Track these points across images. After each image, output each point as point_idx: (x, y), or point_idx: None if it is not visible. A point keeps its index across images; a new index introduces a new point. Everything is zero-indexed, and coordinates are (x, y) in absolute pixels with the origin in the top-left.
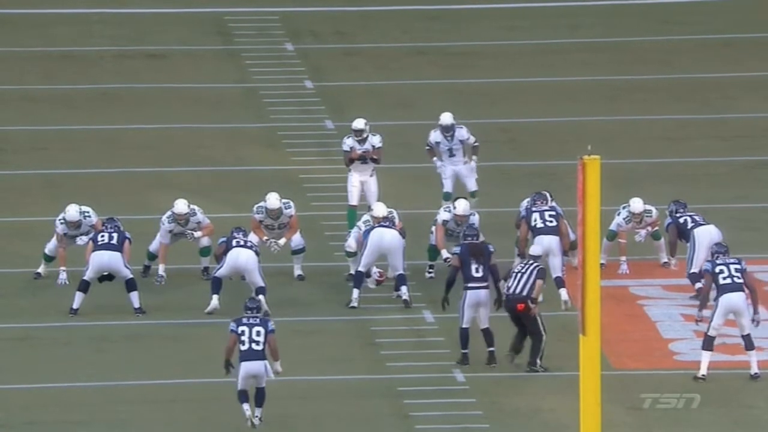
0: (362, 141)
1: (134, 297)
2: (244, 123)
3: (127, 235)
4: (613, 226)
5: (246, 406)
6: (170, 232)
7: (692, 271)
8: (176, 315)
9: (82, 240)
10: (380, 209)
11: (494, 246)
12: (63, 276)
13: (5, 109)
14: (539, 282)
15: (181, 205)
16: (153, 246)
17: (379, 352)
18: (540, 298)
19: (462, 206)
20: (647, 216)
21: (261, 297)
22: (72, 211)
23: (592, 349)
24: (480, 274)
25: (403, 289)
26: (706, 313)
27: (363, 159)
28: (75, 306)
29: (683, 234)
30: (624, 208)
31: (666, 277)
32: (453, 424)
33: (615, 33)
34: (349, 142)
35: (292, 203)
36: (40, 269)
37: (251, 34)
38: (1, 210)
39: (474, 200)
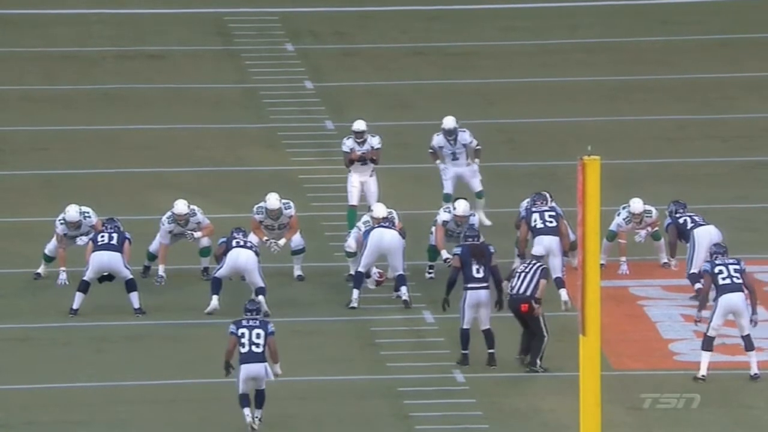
0: (362, 142)
1: (134, 297)
2: (244, 123)
3: (127, 235)
4: (613, 227)
5: (247, 411)
6: (170, 232)
7: (692, 271)
8: (176, 315)
9: (82, 240)
10: (380, 210)
11: (494, 246)
12: (63, 276)
13: (5, 109)
14: (543, 282)
15: (180, 206)
16: (153, 246)
17: (379, 353)
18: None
19: (462, 207)
20: (647, 216)
21: (261, 297)
22: (72, 212)
23: (592, 350)
24: (481, 275)
25: (403, 289)
26: (705, 313)
27: (362, 160)
28: (75, 306)
29: (683, 234)
30: (624, 208)
31: (666, 277)
32: (453, 425)
33: (614, 33)
34: (348, 144)
35: (292, 203)
36: (40, 269)
37: (251, 34)
38: (1, 210)
39: (481, 201)
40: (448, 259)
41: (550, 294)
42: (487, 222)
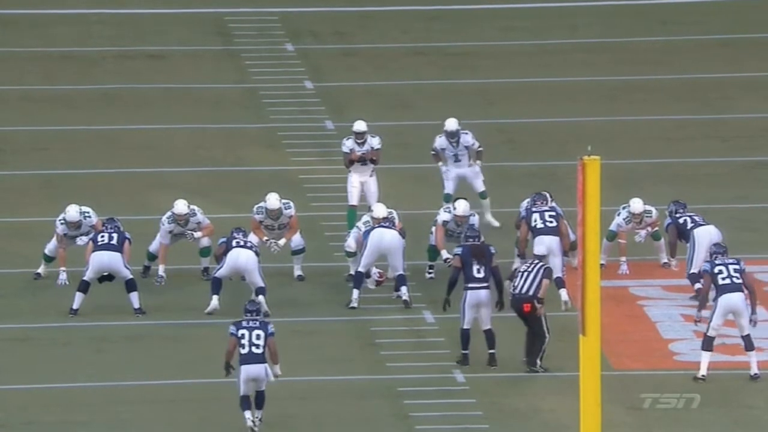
0: (362, 143)
1: (134, 297)
2: (244, 123)
3: (127, 235)
4: (613, 227)
5: (248, 414)
6: (170, 232)
7: (692, 271)
8: (176, 315)
9: (82, 240)
10: (380, 210)
11: (495, 246)
12: (63, 276)
13: (5, 109)
14: (546, 282)
15: (180, 206)
16: (153, 246)
17: (379, 353)
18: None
19: (462, 207)
20: (647, 216)
21: (261, 297)
22: (72, 212)
23: (592, 350)
24: (482, 275)
25: (403, 289)
26: (705, 313)
27: (362, 161)
28: (75, 306)
29: (683, 234)
30: (624, 208)
31: (666, 277)
32: (453, 425)
33: (614, 33)
34: (348, 144)
35: (292, 203)
36: (40, 269)
37: (251, 34)
38: (0, 210)
39: (486, 201)
40: (448, 259)
41: (550, 294)
42: (496, 223)
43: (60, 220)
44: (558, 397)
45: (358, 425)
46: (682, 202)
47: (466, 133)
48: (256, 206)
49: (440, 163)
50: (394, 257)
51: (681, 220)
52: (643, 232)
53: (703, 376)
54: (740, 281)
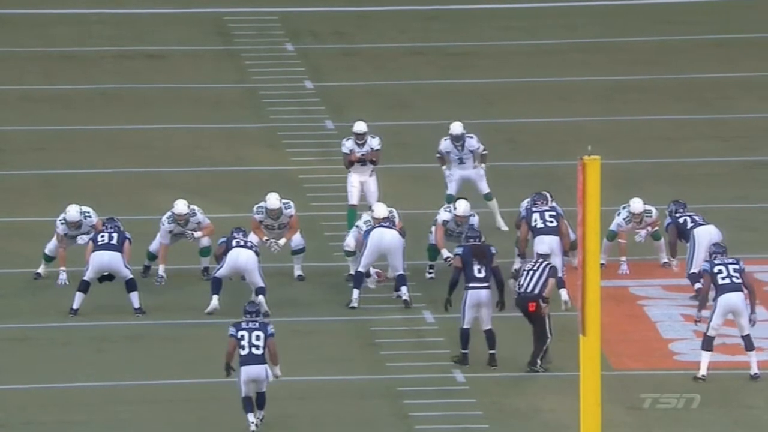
0: (362, 144)
1: (134, 297)
2: (244, 123)
3: (127, 235)
4: (613, 227)
5: (251, 417)
6: (170, 232)
7: (692, 271)
8: (176, 315)
9: (82, 239)
10: (381, 210)
11: (495, 246)
12: (63, 276)
13: (5, 109)
14: (552, 281)
15: (180, 206)
16: (153, 246)
17: (378, 352)
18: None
19: (462, 207)
20: (647, 216)
21: (261, 297)
22: (72, 212)
23: (592, 349)
24: (482, 275)
25: (403, 289)
26: (705, 313)
27: (362, 161)
28: (75, 306)
29: (683, 234)
30: (624, 208)
31: (666, 277)
32: (453, 424)
33: (612, 33)
34: (348, 145)
35: (292, 203)
36: (40, 269)
37: (251, 34)
38: (0, 210)
39: (492, 203)
40: (449, 257)
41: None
42: (505, 227)
43: (60, 220)
44: (558, 397)
45: (357, 425)
46: (682, 201)
47: (471, 137)
48: (256, 206)
49: (444, 167)
50: (394, 257)
51: (681, 220)
52: (643, 232)
53: (703, 375)
54: (740, 281)
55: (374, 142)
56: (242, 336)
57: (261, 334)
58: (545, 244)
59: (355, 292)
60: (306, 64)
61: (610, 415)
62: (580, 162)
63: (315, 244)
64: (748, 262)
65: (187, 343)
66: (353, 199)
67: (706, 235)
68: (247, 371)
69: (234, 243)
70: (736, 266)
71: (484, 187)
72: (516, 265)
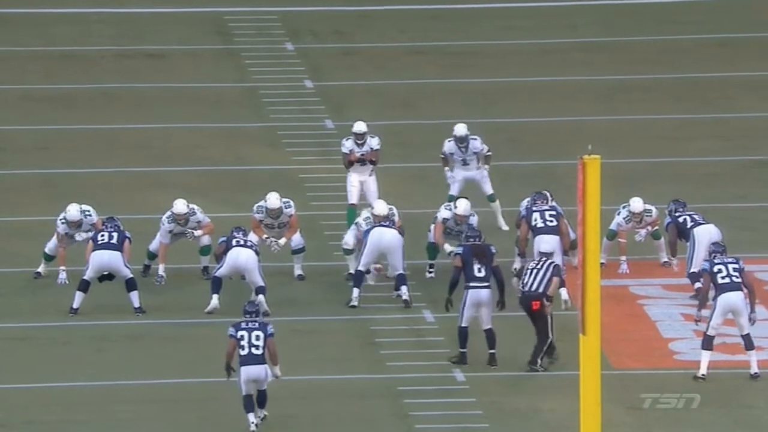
0: (362, 144)
1: (134, 296)
2: (244, 123)
3: (127, 234)
4: (613, 226)
5: (252, 417)
6: (170, 232)
7: (692, 270)
8: (176, 315)
9: (80, 236)
10: (381, 207)
11: (495, 246)
12: (63, 275)
13: (5, 108)
14: (556, 279)
15: (180, 206)
16: (153, 245)
17: (378, 352)
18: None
19: (463, 206)
20: (647, 215)
21: (261, 297)
22: (73, 211)
23: (592, 349)
24: (482, 274)
25: (403, 289)
26: (705, 312)
27: (362, 161)
28: (75, 306)
29: (683, 233)
30: (624, 207)
31: (666, 276)
32: (453, 424)
33: (613, 33)
34: (348, 145)
35: (292, 202)
36: (40, 269)
37: (251, 33)
38: (0, 210)
39: (495, 204)
40: (452, 251)
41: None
42: (505, 227)
43: (61, 219)
44: (558, 397)
45: (358, 425)
46: (682, 201)
47: (475, 139)
48: (256, 205)
49: (446, 168)
50: (393, 256)
51: (681, 219)
52: (643, 231)
53: (703, 375)
54: (739, 280)
55: (374, 142)
56: (242, 336)
57: (260, 334)
58: (546, 243)
59: (355, 291)
60: (306, 63)
61: (610, 415)
62: (580, 161)
63: (315, 244)
64: (747, 261)
65: (187, 343)
66: (353, 198)
67: (705, 234)
68: (247, 371)
69: (234, 242)
70: (736, 265)
71: (488, 189)
72: (516, 265)
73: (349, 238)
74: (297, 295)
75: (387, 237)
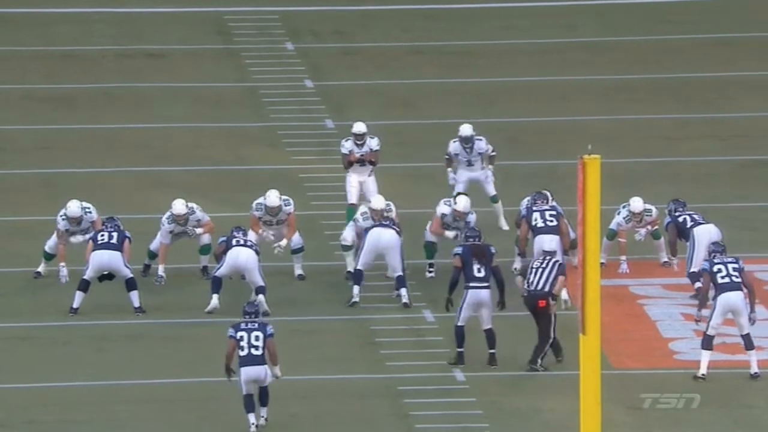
0: (361, 144)
1: (134, 296)
2: (244, 122)
3: (127, 234)
4: (613, 225)
5: (252, 418)
6: (171, 232)
7: (692, 270)
8: (176, 315)
9: (76, 239)
10: (379, 202)
11: (495, 246)
12: (64, 272)
13: (6, 108)
14: (561, 278)
15: (179, 206)
16: (154, 245)
17: (378, 352)
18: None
19: (462, 203)
20: (647, 215)
21: (261, 297)
22: (73, 207)
23: (592, 349)
24: (482, 275)
25: (403, 291)
26: (705, 312)
27: (361, 162)
28: (75, 305)
29: (683, 233)
30: (624, 207)
31: (666, 276)
32: (453, 424)
33: (612, 32)
34: (347, 145)
35: (291, 201)
36: (40, 268)
37: (251, 33)
38: (1, 209)
39: (497, 205)
40: (456, 235)
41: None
42: (506, 227)
43: (61, 215)
44: (558, 397)
45: (358, 424)
46: (682, 200)
47: (480, 139)
48: (255, 202)
49: (449, 169)
50: (392, 257)
51: (681, 219)
52: (642, 231)
53: (703, 375)
54: (739, 280)
55: (373, 143)
56: (241, 337)
57: (260, 334)
58: (548, 242)
59: (356, 288)
60: (306, 63)
61: (610, 415)
62: (580, 161)
63: (315, 243)
64: (747, 261)
65: (187, 343)
66: (352, 198)
67: (705, 234)
68: (247, 372)
69: (234, 242)
70: (736, 265)
71: (491, 190)
72: (516, 264)
73: (347, 235)
74: (297, 295)
75: (385, 237)
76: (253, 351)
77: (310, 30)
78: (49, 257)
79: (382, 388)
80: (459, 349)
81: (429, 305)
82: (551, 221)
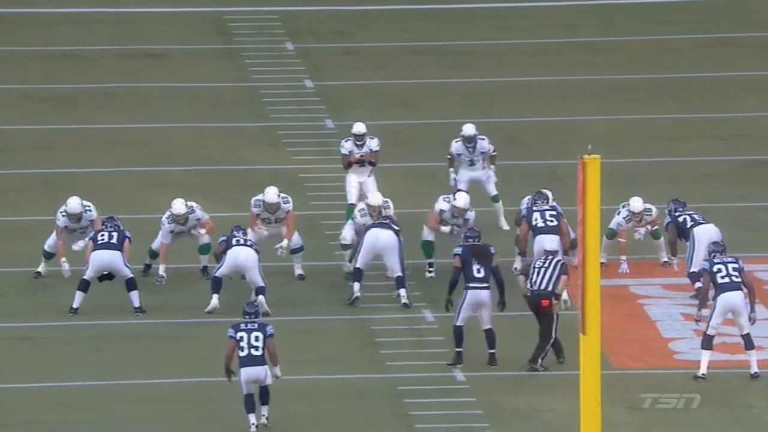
0: (361, 145)
1: (134, 296)
2: (244, 122)
3: (127, 233)
4: (612, 225)
5: (252, 418)
6: (171, 232)
7: (692, 270)
8: (176, 315)
9: (78, 246)
10: (376, 197)
11: (493, 245)
12: (66, 267)
13: (6, 108)
14: (564, 278)
15: (178, 206)
16: (155, 244)
17: (378, 352)
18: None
19: (462, 199)
20: (647, 215)
21: (261, 297)
22: (74, 203)
23: (592, 349)
24: (482, 275)
25: (402, 292)
26: (705, 312)
27: (361, 162)
28: (75, 305)
29: (683, 233)
30: (624, 207)
31: (666, 276)
32: (453, 424)
33: (612, 32)
34: (347, 146)
35: (290, 198)
36: (40, 268)
37: (251, 33)
38: (1, 209)
39: (498, 204)
40: (451, 229)
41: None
42: (506, 227)
43: (61, 211)
44: (558, 397)
45: (358, 424)
46: (682, 200)
47: (483, 139)
48: (254, 199)
49: (451, 169)
50: (390, 258)
51: (680, 219)
52: (642, 230)
53: (703, 374)
54: (739, 280)
55: (373, 144)
56: (241, 337)
57: (260, 335)
58: (549, 242)
59: (356, 285)
60: (306, 63)
61: (610, 415)
62: (580, 161)
63: (315, 243)
64: (747, 261)
65: (187, 343)
66: (352, 198)
67: (705, 233)
68: (247, 373)
69: (234, 241)
70: (735, 265)
71: (492, 189)
72: (516, 264)
73: (346, 233)
74: (297, 295)
75: (383, 238)
76: (253, 351)
77: (310, 30)
78: (48, 256)
79: (382, 388)
80: (458, 349)
81: (429, 305)
82: (551, 221)
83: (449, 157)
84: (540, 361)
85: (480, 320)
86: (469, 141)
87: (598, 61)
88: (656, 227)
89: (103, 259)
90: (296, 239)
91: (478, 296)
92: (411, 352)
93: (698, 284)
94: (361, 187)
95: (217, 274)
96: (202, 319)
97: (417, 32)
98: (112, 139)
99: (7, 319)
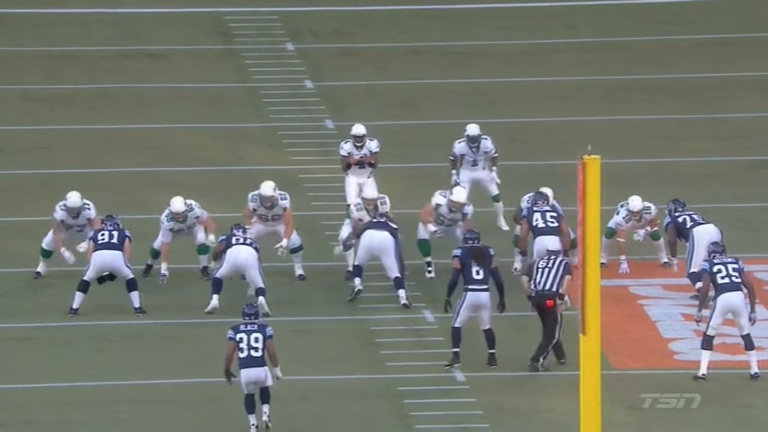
0: (361, 146)
1: (134, 297)
2: (244, 123)
3: (127, 233)
4: (611, 224)
5: (252, 419)
6: (171, 230)
7: (692, 270)
8: (176, 315)
9: (82, 247)
10: (371, 191)
11: (493, 245)
12: (67, 254)
13: (5, 108)
14: (568, 277)
15: (177, 204)
16: (157, 243)
17: (378, 352)
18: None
19: (459, 193)
20: (646, 213)
21: (261, 298)
22: (74, 197)
23: (592, 349)
24: (481, 277)
25: (401, 292)
26: (705, 312)
27: (360, 164)
28: (75, 306)
29: (682, 233)
30: (622, 206)
31: (666, 276)
32: (453, 424)
33: (612, 33)
34: (347, 147)
35: (287, 195)
36: (40, 268)
37: (251, 33)
38: (1, 209)
39: (499, 204)
40: (436, 231)
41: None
42: (506, 227)
43: (60, 205)
44: (558, 397)
45: (358, 425)
46: (681, 200)
47: (486, 139)
48: (251, 194)
49: (453, 171)
50: (387, 259)
51: (680, 219)
52: (642, 232)
53: (703, 375)
54: (739, 280)
55: (372, 145)
56: (241, 339)
57: (260, 336)
58: (549, 243)
59: (357, 279)
60: (306, 63)
61: (610, 415)
62: (580, 161)
63: (315, 244)
64: (747, 261)
65: (187, 343)
66: (352, 198)
67: (705, 234)
68: (247, 374)
69: (234, 240)
70: (735, 265)
71: (494, 190)
72: (516, 264)
73: (344, 233)
74: (297, 295)
75: (377, 239)
76: (252, 353)
77: (310, 30)
78: (47, 254)
79: (382, 388)
80: (455, 349)
81: (429, 305)
82: (552, 222)
83: (452, 158)
84: (542, 360)
85: (479, 320)
86: (474, 141)
87: (598, 62)
88: (656, 228)
89: (104, 259)
90: (295, 238)
91: (477, 298)
92: (411, 353)
93: (699, 285)
94: (361, 188)
95: (217, 275)
96: (202, 320)
97: (417, 32)
98: (112, 139)
99: (7, 319)
